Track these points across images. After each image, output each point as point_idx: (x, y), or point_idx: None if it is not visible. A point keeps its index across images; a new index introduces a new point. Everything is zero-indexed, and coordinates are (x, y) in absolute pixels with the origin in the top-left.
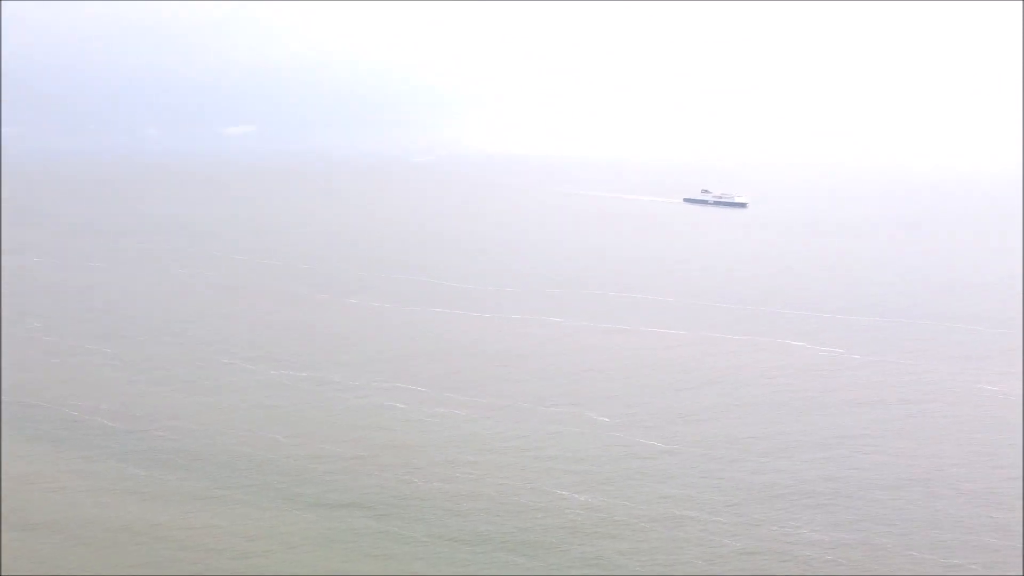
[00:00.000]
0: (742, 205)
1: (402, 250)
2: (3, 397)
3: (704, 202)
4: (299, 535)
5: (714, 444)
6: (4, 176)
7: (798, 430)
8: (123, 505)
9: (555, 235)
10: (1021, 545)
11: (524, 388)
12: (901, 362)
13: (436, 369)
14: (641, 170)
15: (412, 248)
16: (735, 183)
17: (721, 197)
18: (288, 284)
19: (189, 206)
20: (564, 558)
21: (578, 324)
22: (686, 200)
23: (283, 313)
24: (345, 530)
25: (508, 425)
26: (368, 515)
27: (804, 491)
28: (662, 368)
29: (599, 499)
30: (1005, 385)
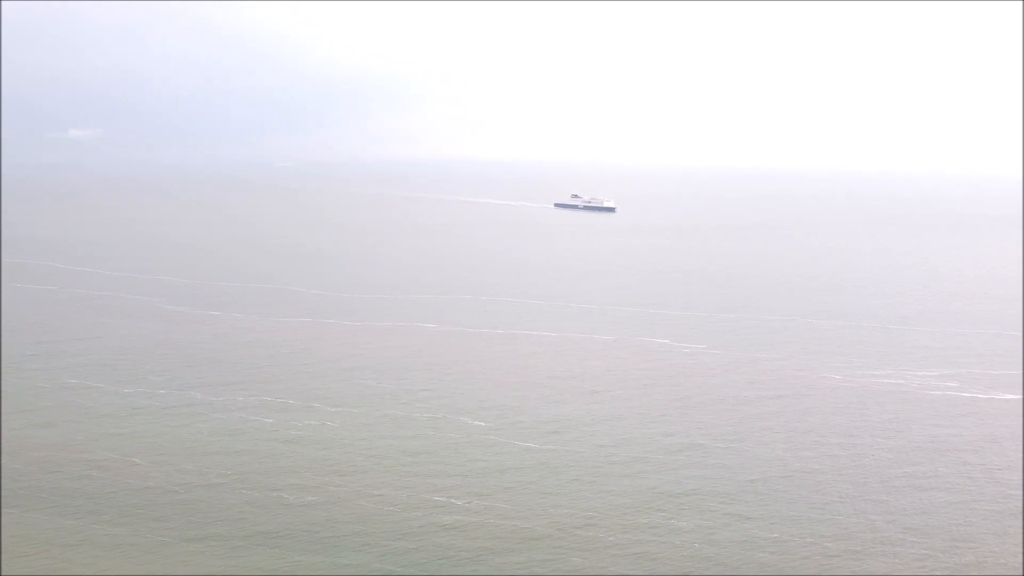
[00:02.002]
0: (611, 209)
1: (264, 260)
2: None
3: (574, 207)
4: (156, 572)
5: (584, 445)
6: None
7: (662, 431)
8: None
9: (424, 242)
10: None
11: (398, 394)
12: (756, 357)
13: (305, 381)
14: (512, 175)
15: (274, 258)
16: (613, 188)
17: (590, 202)
18: (143, 297)
19: (27, 217)
20: None
21: (449, 329)
22: (556, 205)
23: (138, 328)
24: (207, 561)
25: (383, 435)
26: (233, 543)
27: (672, 492)
28: (533, 370)
29: (478, 508)
30: (848, 375)
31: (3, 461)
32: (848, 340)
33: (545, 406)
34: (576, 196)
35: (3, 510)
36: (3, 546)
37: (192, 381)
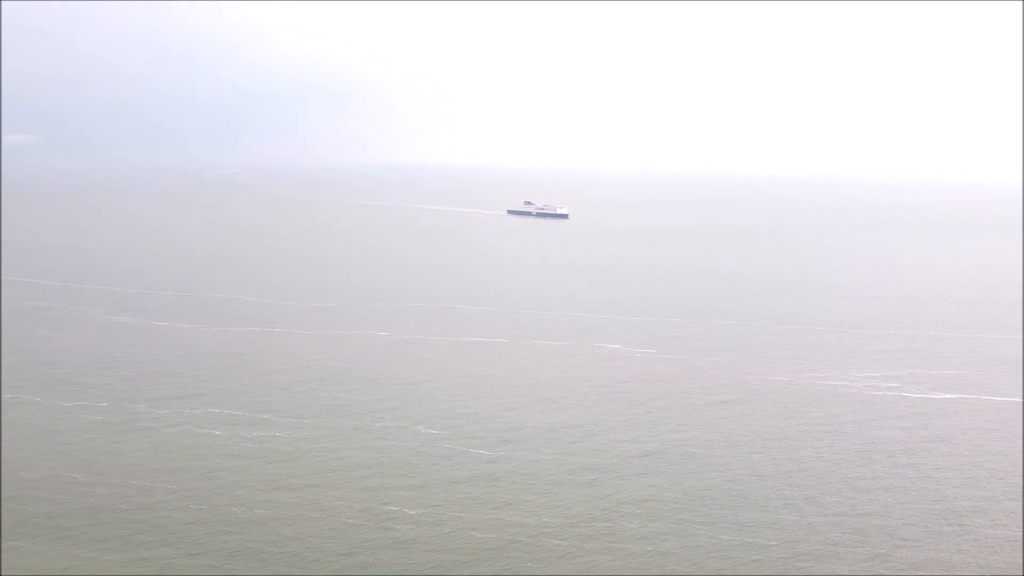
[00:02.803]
0: (564, 216)
1: (209, 267)
2: None
3: (527, 214)
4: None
5: (538, 454)
6: None
7: (614, 439)
8: None
9: (375, 250)
10: None
11: (349, 405)
12: (706, 362)
13: (254, 392)
14: (466, 182)
15: (219, 265)
16: (567, 194)
17: (543, 209)
18: (82, 308)
19: None
20: None
21: (401, 338)
22: (509, 212)
23: (78, 339)
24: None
25: (334, 447)
26: (179, 563)
27: (624, 500)
28: (486, 378)
29: (431, 520)
30: (794, 376)
31: None
32: (798, 344)
33: (499, 414)
34: (529, 203)
35: None
36: None
37: (135, 394)
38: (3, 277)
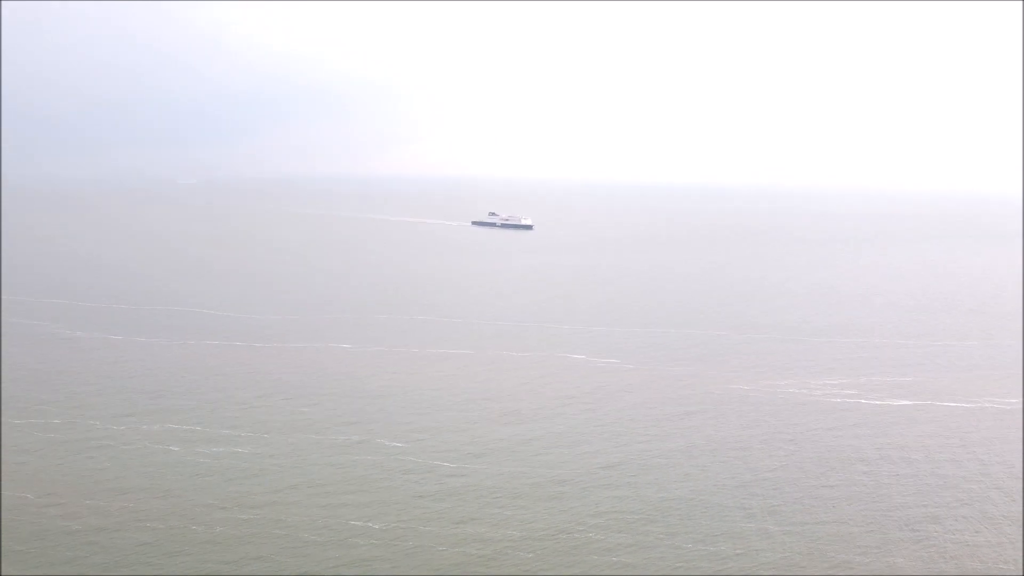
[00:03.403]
0: (528, 227)
1: (169, 280)
2: None
3: (492, 225)
4: None
5: (502, 467)
6: None
7: (578, 452)
8: None
9: (338, 261)
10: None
11: (311, 419)
12: (670, 369)
13: (213, 407)
14: (431, 192)
15: (180, 278)
16: (531, 205)
17: (508, 220)
18: (34, 322)
19: None
20: None
21: (365, 350)
22: (474, 223)
23: (32, 355)
24: None
25: (296, 462)
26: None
27: (589, 513)
28: (450, 390)
29: (394, 535)
30: (756, 384)
31: None
32: (760, 352)
33: (463, 426)
34: (493, 214)
35: None
36: None
37: (90, 410)
38: None
